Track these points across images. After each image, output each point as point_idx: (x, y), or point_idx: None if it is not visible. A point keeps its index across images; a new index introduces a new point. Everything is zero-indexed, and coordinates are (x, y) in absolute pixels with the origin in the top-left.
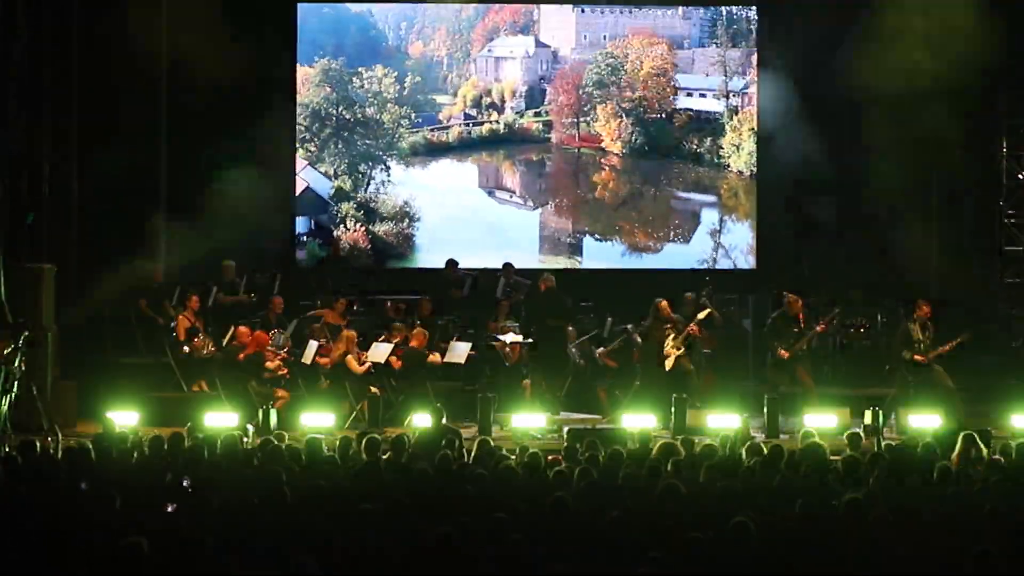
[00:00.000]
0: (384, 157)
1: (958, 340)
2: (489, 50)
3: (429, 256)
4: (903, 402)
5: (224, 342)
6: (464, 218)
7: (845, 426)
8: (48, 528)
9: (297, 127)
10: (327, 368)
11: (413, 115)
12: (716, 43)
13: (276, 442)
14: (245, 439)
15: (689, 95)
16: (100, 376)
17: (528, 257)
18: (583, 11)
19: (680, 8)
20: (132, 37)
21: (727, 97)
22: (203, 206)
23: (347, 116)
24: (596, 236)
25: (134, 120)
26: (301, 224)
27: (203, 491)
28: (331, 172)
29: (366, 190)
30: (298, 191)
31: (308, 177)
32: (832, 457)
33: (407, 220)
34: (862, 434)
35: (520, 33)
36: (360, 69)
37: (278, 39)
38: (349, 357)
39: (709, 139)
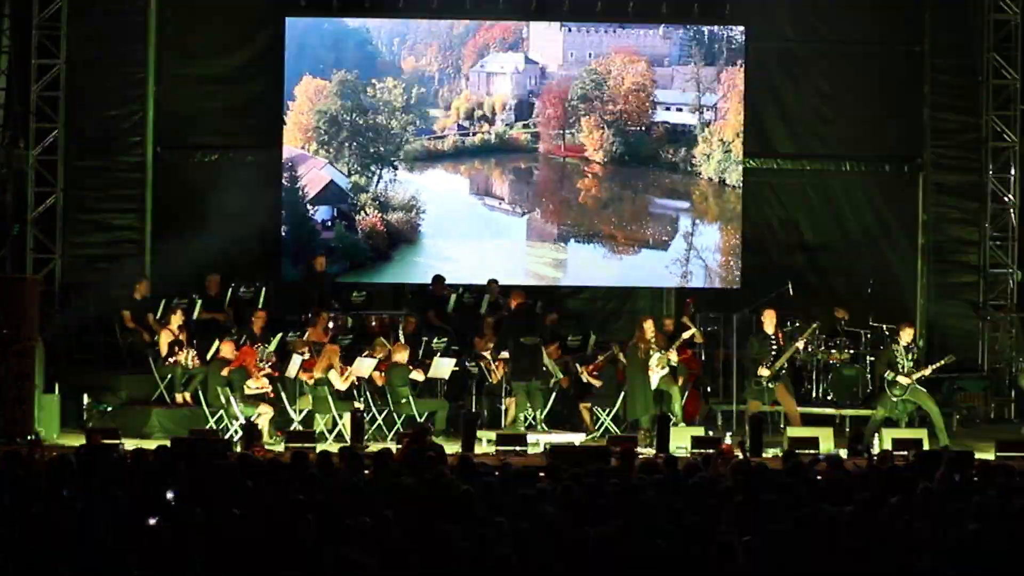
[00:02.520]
0: (392, 160)
1: (941, 362)
2: (481, 66)
3: (433, 242)
4: (886, 423)
5: (209, 356)
6: (459, 216)
7: (828, 446)
8: (31, 539)
9: (317, 130)
10: (310, 383)
11: (418, 122)
12: (691, 62)
13: (259, 456)
14: (228, 452)
15: (667, 109)
16: (84, 387)
17: (516, 245)
18: (569, 30)
19: (661, 28)
20: (119, 48)
21: (700, 111)
22: (190, 219)
23: (360, 122)
24: (579, 238)
25: (120, 132)
26: (325, 212)
27: (186, 504)
28: (346, 170)
29: (377, 186)
30: (322, 185)
31: (329, 173)
32: (816, 477)
33: (415, 211)
34: (845, 454)
35: (510, 50)
36: (373, 80)
37: (267, 52)
38: (332, 372)
39: (683, 149)
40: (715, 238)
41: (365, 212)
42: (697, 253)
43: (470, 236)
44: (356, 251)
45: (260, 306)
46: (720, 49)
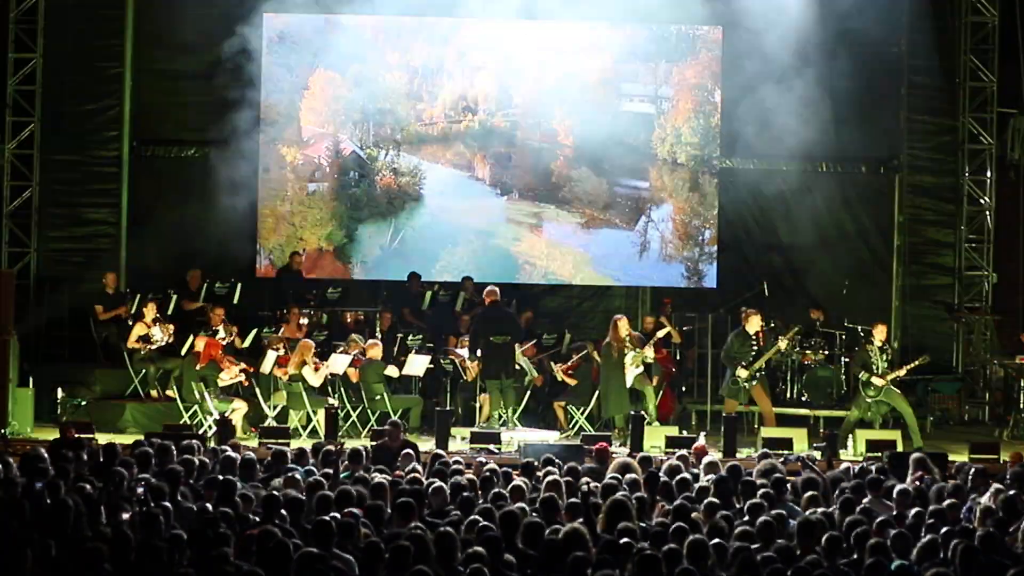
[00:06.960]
0: (396, 138)
1: (916, 363)
2: (466, 61)
3: (433, 200)
4: (860, 424)
5: (183, 351)
6: (449, 183)
7: (802, 446)
8: (2, 533)
9: (336, 113)
10: (285, 378)
11: (418, 107)
12: (651, 59)
13: (233, 451)
14: (202, 447)
15: (630, 100)
16: (58, 381)
17: (499, 201)
18: (545, 28)
19: (628, 27)
20: (96, 43)
21: (657, 102)
22: (165, 214)
23: (371, 107)
24: (553, 209)
25: (97, 126)
26: (352, 174)
27: (159, 499)
28: (360, 145)
29: (386, 158)
30: (348, 153)
31: (351, 145)
32: (789, 477)
33: (418, 176)
34: (819, 455)
35: (490, 47)
36: (383, 72)
37: (244, 47)
38: (307, 368)
39: (643, 134)
40: (668, 210)
41: (382, 174)
42: (655, 225)
43: (460, 196)
44: (376, 204)
45: (235, 301)
46: (678, 47)
